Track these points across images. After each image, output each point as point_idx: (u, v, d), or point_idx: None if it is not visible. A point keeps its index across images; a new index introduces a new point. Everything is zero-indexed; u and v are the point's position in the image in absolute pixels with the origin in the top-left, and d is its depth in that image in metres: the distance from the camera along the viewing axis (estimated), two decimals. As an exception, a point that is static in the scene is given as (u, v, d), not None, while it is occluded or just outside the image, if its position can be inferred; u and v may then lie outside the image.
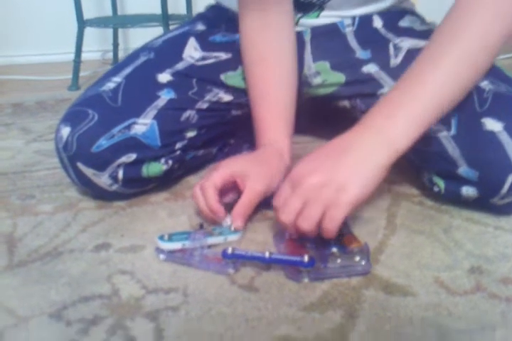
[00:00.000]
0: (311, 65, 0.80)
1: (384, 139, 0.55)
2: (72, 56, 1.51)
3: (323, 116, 0.96)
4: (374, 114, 0.58)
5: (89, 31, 1.57)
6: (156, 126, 0.70)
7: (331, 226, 0.52)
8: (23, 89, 1.52)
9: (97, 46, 1.99)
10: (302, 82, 0.81)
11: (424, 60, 0.58)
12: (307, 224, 0.53)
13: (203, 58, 0.78)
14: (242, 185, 0.63)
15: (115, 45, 1.81)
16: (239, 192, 0.64)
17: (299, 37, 0.79)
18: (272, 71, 0.72)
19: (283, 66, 0.72)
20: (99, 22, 1.56)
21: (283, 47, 0.73)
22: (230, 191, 0.66)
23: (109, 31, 1.85)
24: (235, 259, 0.55)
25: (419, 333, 0.46)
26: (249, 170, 0.64)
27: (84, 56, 1.55)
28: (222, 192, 0.64)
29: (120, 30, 1.90)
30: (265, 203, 0.64)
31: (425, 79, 0.57)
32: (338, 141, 0.57)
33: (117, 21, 1.65)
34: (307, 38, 0.80)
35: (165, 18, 1.47)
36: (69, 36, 1.63)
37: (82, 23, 1.49)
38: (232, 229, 0.61)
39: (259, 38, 0.72)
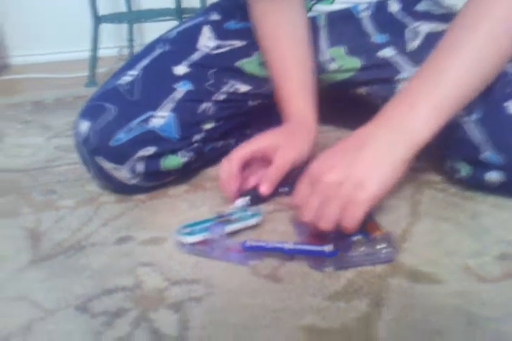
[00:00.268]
0: (325, 51, 0.79)
1: (403, 131, 0.53)
2: (88, 53, 1.52)
3: (342, 105, 0.94)
4: (393, 104, 0.56)
5: (104, 28, 1.57)
6: (173, 119, 0.70)
7: (351, 224, 0.51)
8: (41, 87, 1.53)
9: (112, 43, 1.99)
10: (318, 69, 0.80)
11: (445, 46, 0.56)
12: (325, 224, 0.52)
13: (218, 47, 0.78)
14: (272, 156, 0.64)
15: (130, 40, 1.81)
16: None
17: (313, 23, 0.78)
18: (288, 47, 0.73)
19: (298, 43, 0.73)
20: (114, 18, 1.56)
21: (296, 27, 0.73)
22: (254, 174, 0.67)
23: (125, 27, 1.85)
24: (256, 251, 0.54)
25: (447, 321, 0.45)
26: (278, 142, 0.65)
27: (100, 53, 1.56)
28: (246, 174, 0.66)
29: (135, 26, 1.90)
30: (285, 185, 0.65)
31: (447, 66, 0.55)
32: (356, 134, 0.56)
33: (132, 17, 1.66)
34: (321, 23, 0.79)
35: (179, 11, 1.47)
36: (85, 33, 1.63)
37: (97, 20, 1.50)
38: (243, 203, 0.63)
39: (271, 19, 0.72)
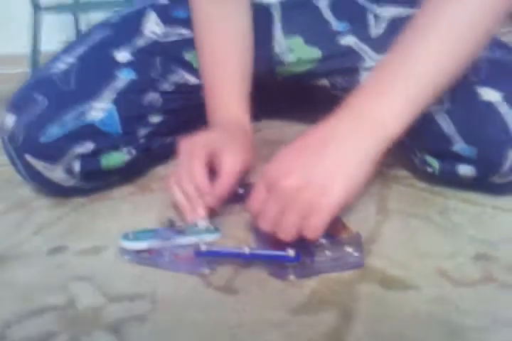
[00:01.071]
0: (281, 42, 0.73)
1: (372, 122, 0.47)
2: (29, 48, 1.41)
3: (301, 97, 0.89)
4: (359, 94, 0.50)
5: (48, 21, 1.47)
6: (115, 111, 0.62)
7: (312, 234, 0.45)
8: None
9: (57, 37, 1.87)
10: (274, 61, 0.74)
11: (413, 29, 0.50)
12: (285, 235, 0.46)
13: (166, 34, 0.71)
14: (216, 159, 0.56)
15: (77, 34, 1.71)
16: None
17: (266, 11, 0.71)
18: (221, 37, 0.66)
19: (236, 39, 0.67)
20: (57, 8, 1.46)
21: (236, 18, 0.67)
22: None
23: (70, 20, 1.74)
24: (210, 257, 0.48)
25: (425, 332, 0.40)
26: (224, 146, 0.57)
27: (44, 48, 1.45)
28: None
29: (82, 18, 1.79)
30: (236, 197, 0.57)
31: (416, 50, 0.49)
32: (317, 129, 0.49)
33: (77, 7, 1.55)
34: (275, 12, 0.73)
35: (129, 1, 1.38)
36: (25, 25, 1.52)
37: (38, 9, 1.39)
38: (205, 225, 0.53)
39: (209, 8, 0.66)
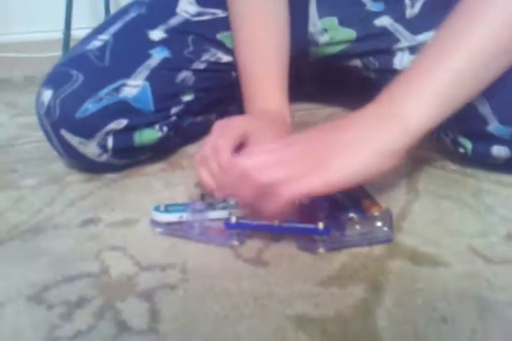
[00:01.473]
0: (316, 22, 0.73)
1: (392, 116, 0.45)
2: (61, 34, 1.43)
3: (332, 79, 0.88)
4: (385, 91, 0.48)
5: (80, 7, 1.48)
6: (148, 89, 0.63)
7: (271, 205, 0.43)
8: (11, 67, 1.44)
9: (87, 23, 1.90)
10: (308, 41, 0.73)
11: (448, 28, 0.49)
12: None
13: (199, 14, 0.71)
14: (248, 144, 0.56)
15: (107, 19, 1.72)
16: None
17: None
18: (264, 33, 0.64)
19: (274, 27, 0.65)
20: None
21: (274, 7, 0.65)
22: None
23: (101, 7, 1.76)
24: (240, 230, 0.48)
25: (455, 307, 0.40)
26: (262, 132, 0.56)
27: (75, 34, 1.47)
28: None
29: (112, 4, 1.81)
30: None
31: (450, 50, 0.47)
32: (340, 119, 0.48)
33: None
34: None
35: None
36: (60, 12, 1.54)
37: (69, -5, 1.41)
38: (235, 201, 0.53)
39: None
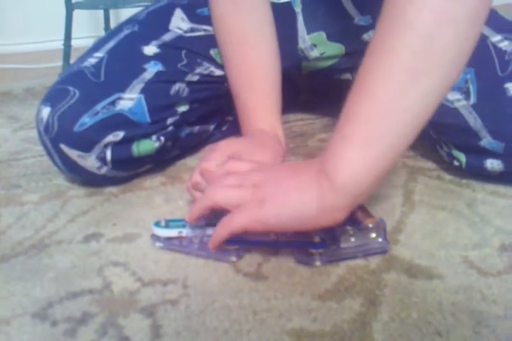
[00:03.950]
0: (305, 38, 0.73)
1: (321, 171, 0.45)
2: (61, 43, 1.44)
3: (325, 91, 0.90)
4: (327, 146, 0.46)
5: (79, 17, 1.49)
6: (143, 101, 0.64)
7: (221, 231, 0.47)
8: (11, 78, 1.46)
9: (88, 32, 1.91)
10: (299, 57, 0.75)
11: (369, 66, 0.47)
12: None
13: (192, 30, 0.72)
14: None
15: (107, 29, 1.74)
16: None
17: (289, 8, 0.72)
18: (253, 54, 0.65)
19: (263, 47, 0.66)
20: (88, 4, 1.49)
21: (260, 27, 0.66)
22: None
23: (101, 16, 1.77)
24: (237, 245, 0.49)
25: (450, 320, 0.41)
26: (252, 153, 0.57)
27: (75, 43, 1.48)
28: None
29: (112, 14, 1.82)
30: None
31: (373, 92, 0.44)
32: (312, 160, 0.50)
33: (107, 2, 1.58)
34: (297, 8, 0.73)
35: (156, -3, 1.40)
36: (59, 22, 1.56)
37: (70, 6, 1.42)
38: None
39: (232, 19, 0.65)
